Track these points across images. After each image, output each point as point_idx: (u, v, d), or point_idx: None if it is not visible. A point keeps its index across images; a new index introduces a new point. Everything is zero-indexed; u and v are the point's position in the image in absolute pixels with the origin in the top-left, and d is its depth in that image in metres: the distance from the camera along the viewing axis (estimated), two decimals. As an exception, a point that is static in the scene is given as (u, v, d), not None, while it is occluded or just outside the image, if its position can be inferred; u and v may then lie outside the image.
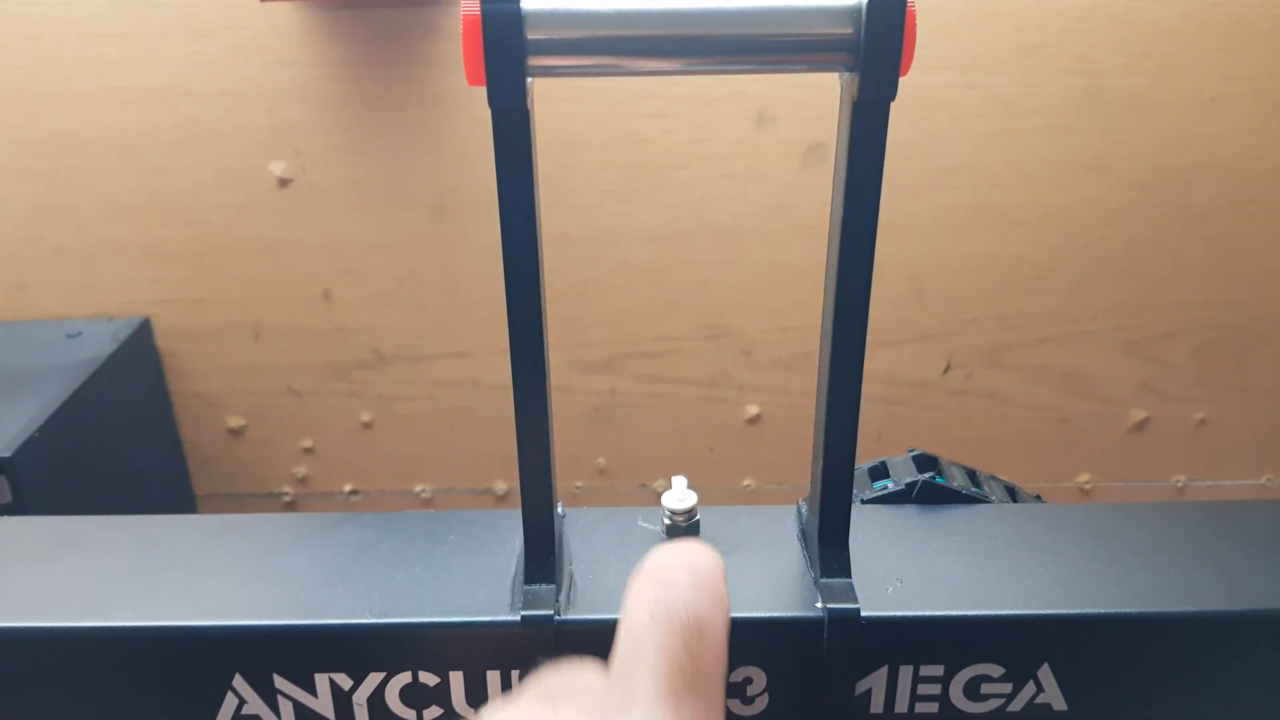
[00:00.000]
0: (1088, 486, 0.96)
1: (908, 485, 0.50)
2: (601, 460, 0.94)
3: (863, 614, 0.42)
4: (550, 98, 0.80)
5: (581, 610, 0.43)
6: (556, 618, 0.42)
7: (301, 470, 0.97)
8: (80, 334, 0.89)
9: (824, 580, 0.43)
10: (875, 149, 0.37)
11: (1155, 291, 0.87)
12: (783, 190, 0.83)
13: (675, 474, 0.49)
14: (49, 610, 0.44)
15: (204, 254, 0.89)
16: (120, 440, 0.90)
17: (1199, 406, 0.91)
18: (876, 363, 0.88)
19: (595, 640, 0.43)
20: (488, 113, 0.38)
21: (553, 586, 0.44)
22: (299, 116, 0.84)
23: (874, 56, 0.36)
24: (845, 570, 0.43)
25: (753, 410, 0.91)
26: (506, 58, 0.37)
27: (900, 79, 0.36)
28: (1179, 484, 0.95)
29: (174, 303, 0.91)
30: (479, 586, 0.45)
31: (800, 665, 0.43)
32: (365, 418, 0.94)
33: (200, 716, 0.45)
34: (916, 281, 0.86)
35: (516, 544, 0.48)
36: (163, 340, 0.93)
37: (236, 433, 0.96)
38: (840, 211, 0.39)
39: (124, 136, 0.85)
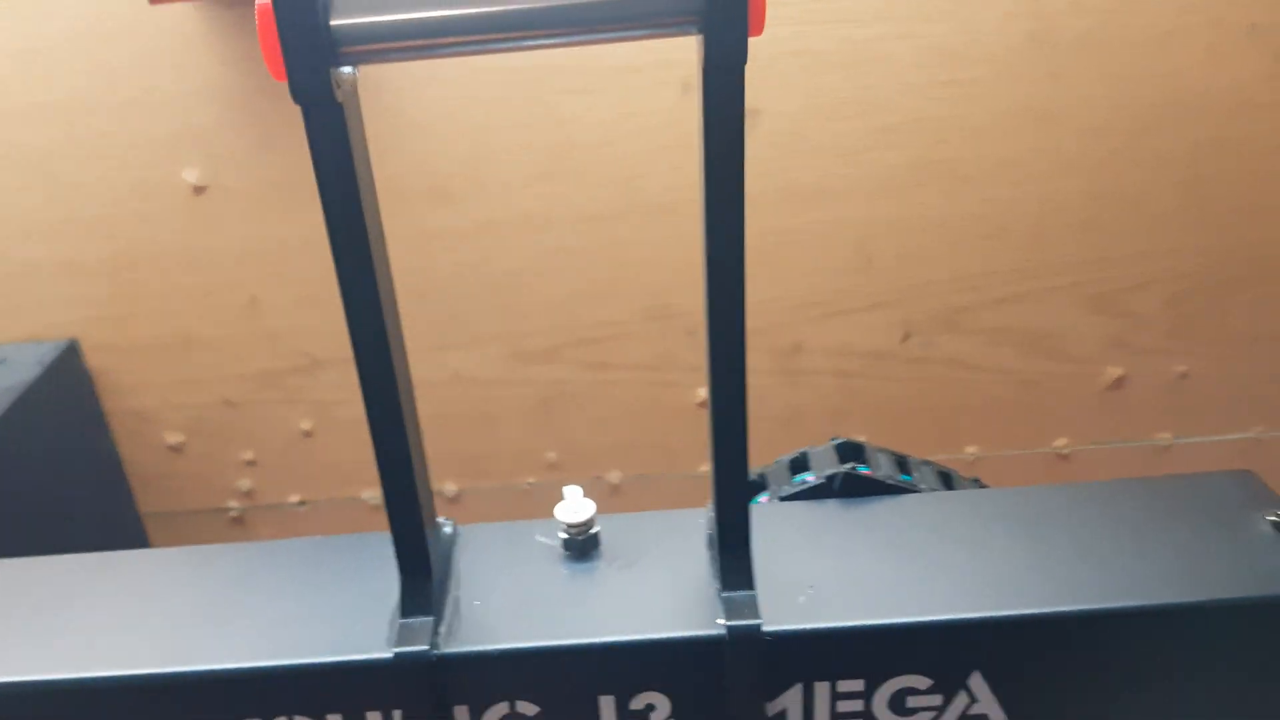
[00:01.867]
0: (1065, 451, 0.91)
1: (828, 478, 0.46)
2: (552, 454, 0.90)
3: (766, 629, 0.38)
4: (454, 79, 0.76)
5: (464, 641, 0.39)
6: (434, 653, 0.39)
7: (246, 483, 0.93)
8: (4, 360, 0.86)
9: (725, 594, 0.39)
10: (731, 119, 0.33)
11: (1119, 242, 0.82)
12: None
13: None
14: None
15: (125, 268, 0.85)
16: (54, 464, 0.86)
17: (1177, 359, 0.86)
18: (829, 335, 0.84)
19: (478, 673, 0.40)
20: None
21: (429, 620, 0.40)
22: (208, 119, 0.80)
23: (719, 16, 0.32)
24: (748, 581, 0.39)
25: (703, 394, 0.87)
26: (306, 47, 0.33)
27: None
28: (1164, 443, 0.91)
29: (100, 320, 0.88)
30: (357, 620, 0.42)
31: (704, 687, 0.40)
32: (305, 425, 0.90)
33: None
34: (864, 247, 0.81)
35: (375, 576, 0.44)
36: (93, 359, 0.89)
37: (176, 449, 0.92)
38: (703, 192, 0.35)
39: (31, 154, 0.81)
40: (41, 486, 0.86)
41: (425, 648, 0.39)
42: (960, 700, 0.40)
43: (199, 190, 0.82)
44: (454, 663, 0.39)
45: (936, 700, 0.40)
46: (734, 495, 0.39)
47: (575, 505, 0.44)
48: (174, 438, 0.92)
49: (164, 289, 0.86)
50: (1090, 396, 0.89)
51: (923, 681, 0.39)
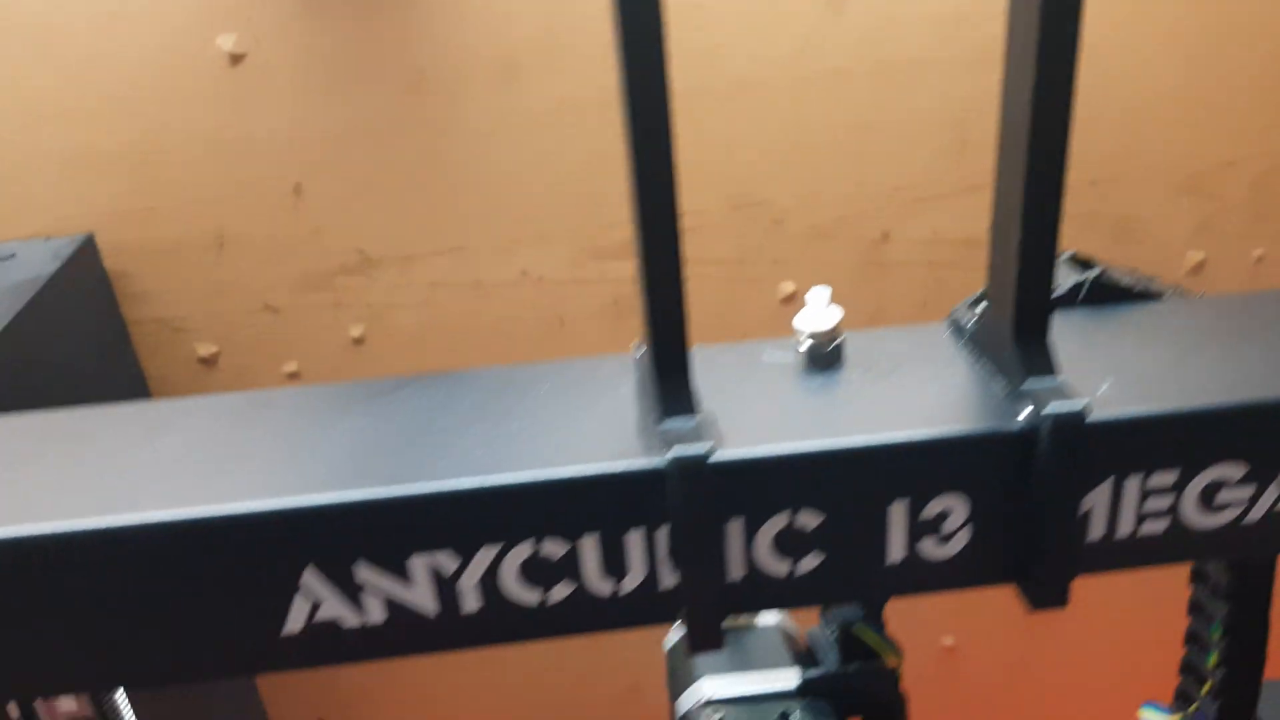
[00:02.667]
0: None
1: (1073, 288, 0.43)
2: (624, 356, 0.85)
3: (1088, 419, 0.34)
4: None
5: (742, 444, 0.35)
6: (712, 458, 0.34)
7: (285, 398, 0.86)
8: (14, 255, 0.77)
9: (1029, 382, 0.35)
10: None
11: (1210, 121, 0.80)
12: (808, 34, 0.75)
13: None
14: (42, 512, 0.34)
15: (149, 155, 0.77)
16: (70, 375, 0.78)
17: (1256, 243, 0.85)
18: (918, 223, 0.81)
19: (758, 480, 0.35)
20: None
21: (695, 422, 0.35)
22: (249, -20, 0.72)
23: None
24: (1051, 368, 0.36)
25: (788, 288, 0.83)
26: None
27: None
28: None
29: (120, 215, 0.79)
30: (596, 433, 0.37)
31: (1006, 488, 0.36)
32: (355, 332, 0.84)
33: (262, 632, 0.35)
34: (960, 128, 0.78)
35: (624, 389, 0.39)
36: (110, 260, 0.81)
37: (208, 362, 0.84)
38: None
39: (38, 25, 0.73)
40: (55, 405, 0.78)
41: (703, 450, 0.34)
42: (1271, 492, 0.37)
43: (235, 60, 0.74)
44: (733, 470, 0.34)
45: (1247, 492, 0.37)
46: (1038, 270, 0.35)
47: (821, 311, 0.39)
48: (206, 349, 0.84)
49: (194, 178, 0.78)
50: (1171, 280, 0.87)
51: (1237, 471, 0.36)
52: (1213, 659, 0.53)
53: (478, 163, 0.77)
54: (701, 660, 0.50)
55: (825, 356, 0.40)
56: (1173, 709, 0.58)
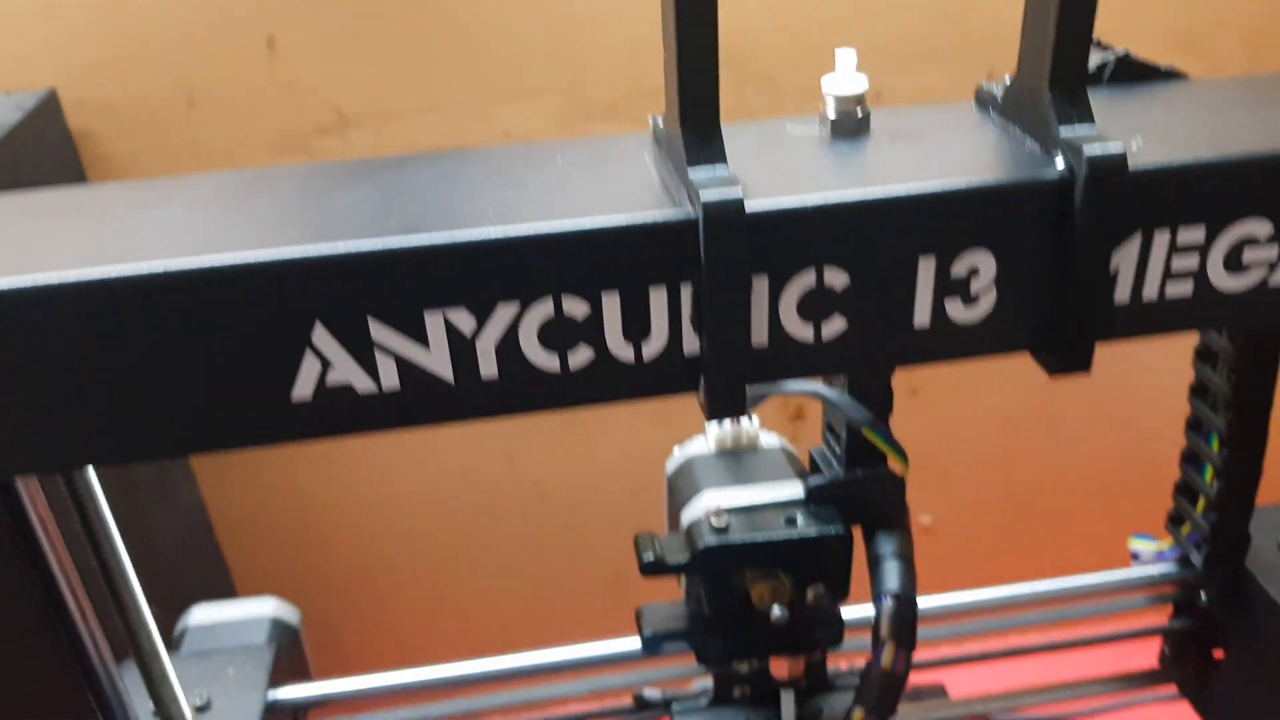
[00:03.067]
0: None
1: (1097, 68, 0.42)
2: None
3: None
4: None
5: (771, 195, 0.34)
6: (747, 209, 0.33)
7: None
8: (-30, 108, 0.73)
9: (1065, 130, 0.34)
10: None
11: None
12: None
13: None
14: (37, 264, 0.32)
15: (114, 3, 0.74)
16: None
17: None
18: (908, 79, 0.80)
19: (787, 234, 0.34)
20: None
21: (726, 171, 0.34)
22: None
23: None
24: (1089, 115, 0.35)
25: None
26: None
27: None
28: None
29: (83, 69, 0.76)
30: (617, 190, 0.35)
31: (1037, 243, 0.35)
32: (331, 194, 0.81)
33: (272, 395, 0.34)
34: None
35: (645, 157, 0.38)
36: (75, 118, 0.78)
37: (177, 226, 0.82)
38: None
39: None
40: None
41: (738, 194, 0.32)
42: (1300, 253, 0.36)
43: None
44: (761, 222, 0.33)
45: (1273, 252, 0.36)
46: (1080, 14, 0.34)
47: (849, 75, 0.38)
48: (176, 213, 0.81)
49: (161, 29, 0.75)
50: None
51: (1264, 228, 0.36)
52: (1209, 473, 0.54)
53: (460, 13, 0.75)
54: (705, 477, 0.50)
55: (852, 125, 0.38)
56: (1165, 538, 0.59)
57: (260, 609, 0.60)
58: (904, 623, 0.44)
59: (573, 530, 0.98)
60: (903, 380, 0.98)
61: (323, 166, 0.39)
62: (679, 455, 0.53)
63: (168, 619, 0.55)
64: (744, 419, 0.52)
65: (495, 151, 0.39)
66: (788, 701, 0.52)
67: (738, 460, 0.51)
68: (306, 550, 0.96)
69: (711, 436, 0.52)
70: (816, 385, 0.45)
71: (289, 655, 0.59)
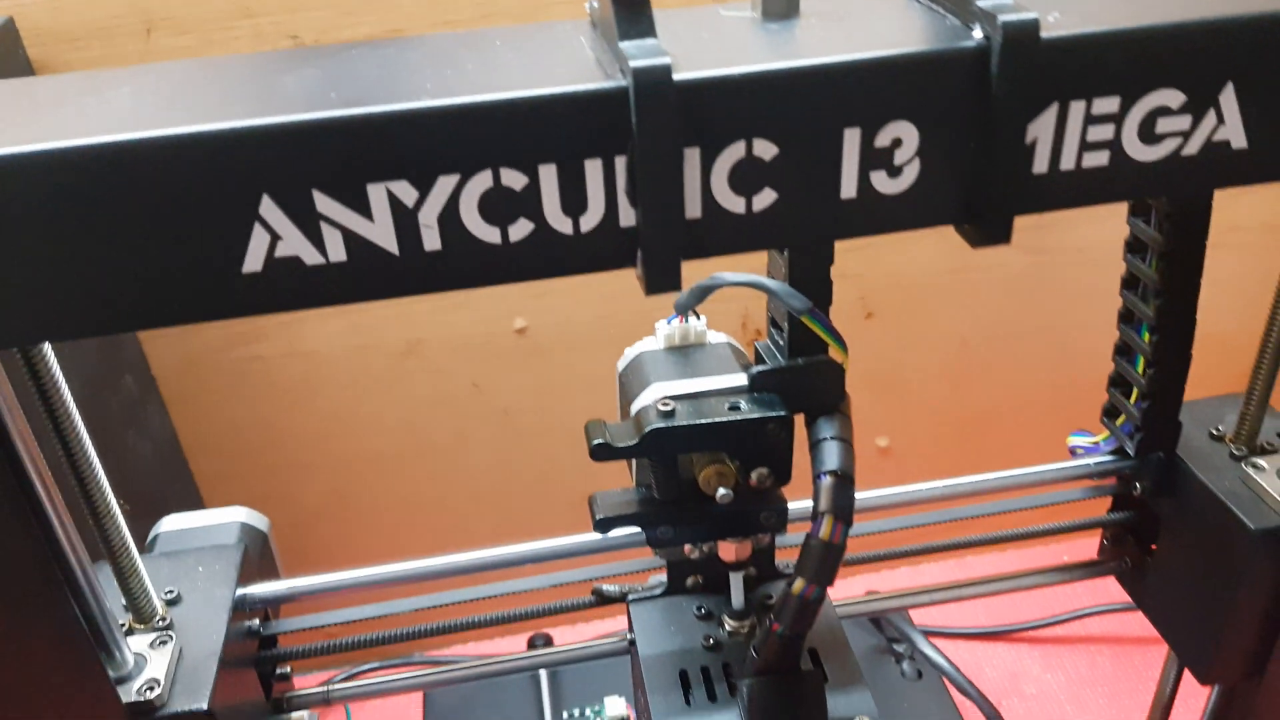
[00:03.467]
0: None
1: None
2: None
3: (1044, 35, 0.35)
4: None
5: (697, 68, 0.35)
6: (675, 76, 0.34)
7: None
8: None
9: (981, 2, 0.36)
10: None
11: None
12: None
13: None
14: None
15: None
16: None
17: None
18: None
19: (717, 105, 0.35)
20: None
21: (655, 42, 0.35)
22: None
23: None
24: (1009, -13, 0.36)
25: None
26: None
27: None
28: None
29: (38, -4, 0.76)
30: (553, 67, 0.37)
31: (956, 114, 0.37)
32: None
33: (223, 268, 0.35)
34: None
35: (581, 40, 0.39)
36: (34, 47, 0.78)
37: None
38: None
39: None
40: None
41: (666, 63, 0.34)
42: (1207, 123, 0.38)
43: None
44: (692, 90, 0.35)
45: (1184, 123, 0.38)
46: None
47: (777, -42, 0.39)
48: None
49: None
50: None
51: (1177, 98, 0.37)
52: (1140, 364, 0.56)
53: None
54: (653, 370, 0.52)
55: (782, 8, 0.40)
56: (1102, 433, 0.61)
57: (230, 516, 0.62)
58: (841, 497, 0.46)
59: (538, 454, 1.00)
60: (858, 305, 1.01)
61: (269, 55, 0.40)
62: (629, 353, 0.54)
63: (139, 533, 0.57)
64: (692, 317, 0.54)
65: (436, 38, 0.40)
66: (736, 582, 0.54)
67: (685, 356, 0.53)
68: (278, 477, 0.98)
69: (661, 334, 0.54)
70: (757, 276, 0.47)
71: (258, 559, 0.60)
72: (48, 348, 0.43)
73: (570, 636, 0.98)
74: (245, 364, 0.91)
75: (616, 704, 0.91)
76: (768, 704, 0.48)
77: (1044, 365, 1.03)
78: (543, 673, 0.94)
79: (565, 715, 0.90)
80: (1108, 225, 0.59)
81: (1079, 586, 1.13)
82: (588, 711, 0.90)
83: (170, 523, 0.62)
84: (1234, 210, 1.02)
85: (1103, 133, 0.37)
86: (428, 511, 1.02)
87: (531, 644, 0.97)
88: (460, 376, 0.96)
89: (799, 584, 0.45)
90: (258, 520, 0.62)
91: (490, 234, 0.36)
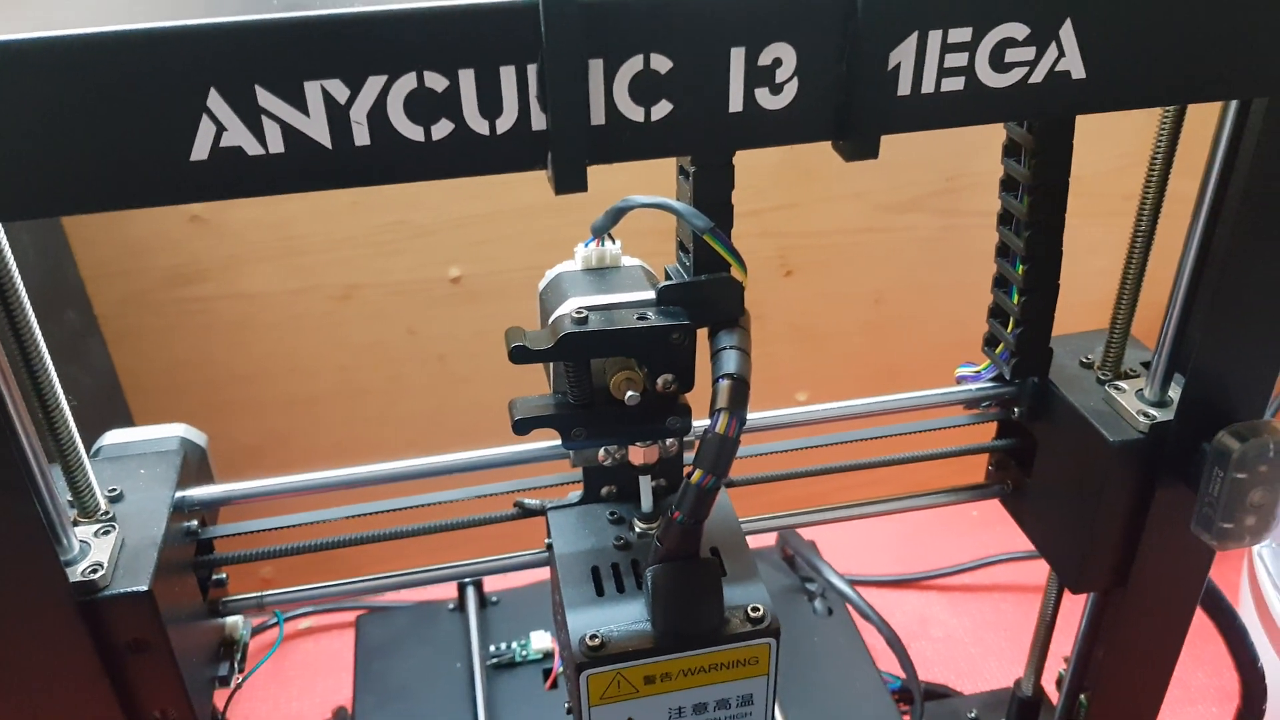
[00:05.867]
0: None
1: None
2: None
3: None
4: None
5: (603, -15, 0.40)
6: (581, -7, 0.38)
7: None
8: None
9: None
10: None
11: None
12: None
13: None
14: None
15: None
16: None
17: None
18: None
19: (611, 24, 0.40)
20: None
21: (564, -38, 0.39)
22: None
23: None
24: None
25: None
26: None
27: None
28: None
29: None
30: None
31: (829, 42, 0.42)
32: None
33: (171, 157, 0.39)
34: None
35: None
36: None
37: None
38: None
39: None
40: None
41: (572, -19, 0.38)
42: (1050, 53, 0.43)
43: None
44: (597, 7, 0.39)
45: (1030, 54, 0.43)
46: None
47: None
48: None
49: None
50: None
51: (1022, 30, 0.43)
52: (1015, 295, 0.62)
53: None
54: (571, 288, 0.56)
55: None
56: (984, 361, 0.67)
57: (170, 430, 0.65)
58: (736, 395, 0.50)
59: (471, 400, 1.04)
60: (778, 262, 1.06)
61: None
62: (550, 274, 0.59)
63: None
64: (608, 240, 0.58)
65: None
66: (646, 486, 0.59)
67: (601, 276, 0.58)
68: (215, 416, 1.00)
69: (579, 256, 0.58)
70: (664, 199, 0.52)
71: (197, 471, 0.64)
72: (2, 236, 0.46)
73: (497, 582, 1.02)
74: (186, 304, 0.94)
75: (542, 638, 0.95)
76: (670, 588, 0.53)
77: (953, 320, 1.09)
78: (471, 610, 0.98)
79: (492, 648, 0.94)
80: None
81: (985, 536, 1.20)
82: (514, 644, 0.95)
83: (113, 436, 0.65)
84: (1134, 179, 1.09)
85: (958, 60, 0.43)
86: (363, 453, 1.06)
87: (461, 589, 1.01)
88: (396, 322, 0.99)
89: (697, 474, 0.50)
90: (196, 436, 0.66)
91: (415, 132, 0.40)
